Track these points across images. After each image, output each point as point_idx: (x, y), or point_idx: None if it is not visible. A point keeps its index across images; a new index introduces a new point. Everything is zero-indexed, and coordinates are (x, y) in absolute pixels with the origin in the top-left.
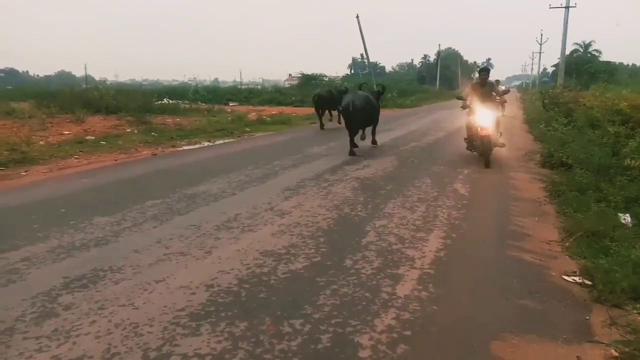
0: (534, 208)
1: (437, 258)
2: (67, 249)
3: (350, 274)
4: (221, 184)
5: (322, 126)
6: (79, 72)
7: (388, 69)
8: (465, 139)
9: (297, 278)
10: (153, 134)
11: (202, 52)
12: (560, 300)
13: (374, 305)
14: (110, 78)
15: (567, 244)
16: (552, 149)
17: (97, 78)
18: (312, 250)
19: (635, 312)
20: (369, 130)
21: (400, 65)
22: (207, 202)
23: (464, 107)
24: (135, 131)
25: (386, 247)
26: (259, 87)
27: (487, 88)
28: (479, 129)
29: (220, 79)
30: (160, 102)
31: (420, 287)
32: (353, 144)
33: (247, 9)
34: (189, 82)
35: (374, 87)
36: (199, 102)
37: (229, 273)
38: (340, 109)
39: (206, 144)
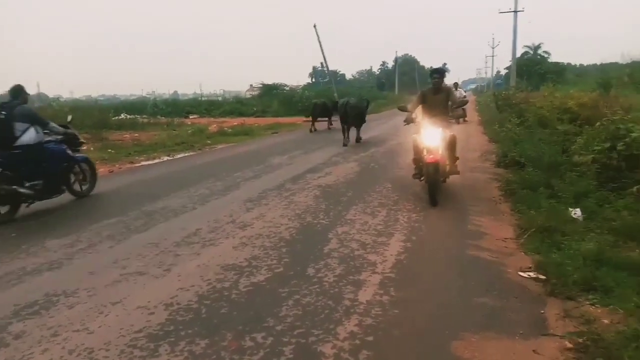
0: (490, 207)
1: (398, 261)
2: (18, 275)
3: (312, 283)
4: (181, 199)
5: (314, 130)
6: (31, 90)
7: (348, 76)
8: (414, 165)
9: (259, 290)
10: (110, 150)
11: (161, 65)
12: (516, 296)
13: (337, 313)
14: (65, 95)
15: (521, 240)
16: (505, 149)
17: (50, 95)
18: (275, 261)
19: (587, 303)
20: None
21: (360, 73)
22: (166, 218)
23: (407, 121)
24: (92, 148)
25: (348, 254)
26: (220, 98)
27: (441, 95)
28: (425, 151)
29: (179, 92)
30: (117, 117)
31: (382, 292)
32: (346, 139)
33: (205, 21)
34: (147, 96)
35: (334, 95)
36: (158, 116)
37: (189, 290)
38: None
39: (166, 158)
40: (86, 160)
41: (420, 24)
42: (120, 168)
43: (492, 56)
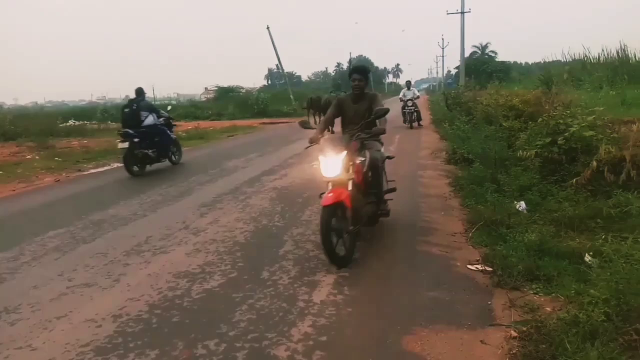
0: (440, 203)
1: (353, 260)
2: None
3: (267, 286)
4: (132, 206)
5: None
6: None
7: (304, 78)
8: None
9: (212, 297)
10: (57, 158)
11: (112, 69)
12: (465, 288)
13: (291, 315)
14: (9, 102)
15: (470, 234)
16: (454, 147)
17: None
18: (229, 266)
19: (531, 292)
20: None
21: (316, 74)
22: (115, 226)
23: (311, 141)
24: (37, 157)
25: (303, 255)
26: (174, 102)
27: (363, 104)
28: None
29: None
30: (65, 124)
31: (336, 291)
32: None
33: (157, 24)
34: (98, 101)
35: (290, 96)
36: (109, 122)
37: (139, 300)
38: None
39: (116, 165)
40: (176, 139)
41: (374, 26)
42: (68, 177)
43: (442, 56)
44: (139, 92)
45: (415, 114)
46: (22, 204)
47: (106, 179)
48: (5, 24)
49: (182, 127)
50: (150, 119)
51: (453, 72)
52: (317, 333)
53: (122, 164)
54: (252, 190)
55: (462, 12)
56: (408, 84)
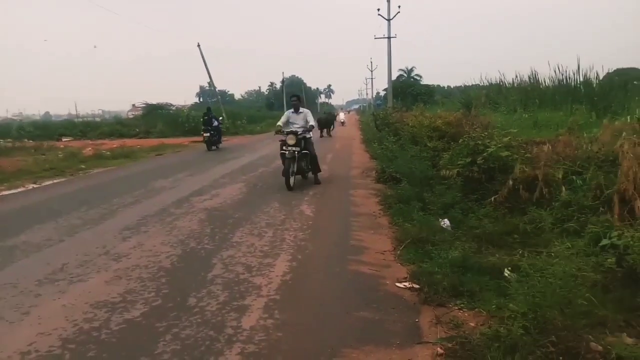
0: (370, 222)
1: (284, 282)
2: None
3: (193, 314)
4: (47, 231)
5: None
6: None
7: (237, 96)
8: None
9: (133, 328)
10: None
11: (29, 84)
12: (394, 307)
13: (218, 343)
14: None
15: (398, 252)
16: (383, 166)
17: None
18: (152, 294)
19: (456, 308)
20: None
21: (249, 93)
22: (27, 253)
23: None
24: None
25: (233, 279)
26: (98, 119)
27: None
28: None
29: (52, 112)
30: None
31: (266, 316)
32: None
33: (79, 41)
34: (14, 117)
35: (222, 114)
36: (25, 140)
37: (50, 334)
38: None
39: (32, 186)
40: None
41: (306, 47)
42: None
43: (372, 78)
44: (209, 109)
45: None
46: None
47: (19, 202)
48: None
49: (106, 145)
50: (215, 122)
51: (382, 93)
52: None
53: (37, 185)
54: (180, 212)
55: (389, 37)
56: (295, 104)
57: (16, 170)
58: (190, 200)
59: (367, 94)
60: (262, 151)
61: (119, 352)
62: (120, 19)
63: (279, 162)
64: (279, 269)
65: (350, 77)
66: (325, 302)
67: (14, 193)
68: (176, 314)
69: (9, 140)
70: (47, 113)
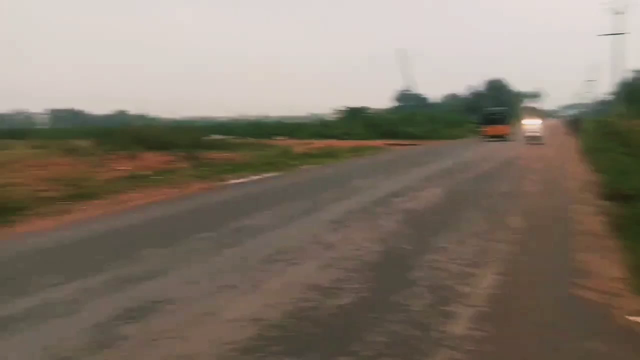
0: (594, 242)
1: (492, 295)
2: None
3: (399, 310)
4: (266, 217)
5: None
6: (136, 111)
7: (433, 100)
8: None
9: (344, 314)
10: (203, 168)
11: (249, 90)
12: (626, 341)
13: (424, 345)
14: (166, 115)
15: (633, 281)
16: (610, 180)
17: (151, 115)
18: (358, 285)
19: None
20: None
21: (446, 97)
22: (253, 235)
23: None
24: (186, 166)
25: (436, 282)
26: (307, 121)
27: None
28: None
29: (270, 114)
30: (209, 137)
31: (476, 326)
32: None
33: (281, 45)
34: (240, 118)
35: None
36: (247, 137)
37: (274, 307)
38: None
39: (255, 177)
40: None
41: (505, 46)
42: (211, 186)
43: (593, 81)
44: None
45: None
46: (176, 209)
47: (245, 190)
48: (164, 52)
49: (313, 145)
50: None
51: (606, 97)
52: None
53: (258, 177)
54: (380, 211)
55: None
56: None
57: (242, 163)
58: (390, 201)
59: (586, 98)
60: (462, 157)
61: (332, 333)
62: (320, 25)
63: (480, 169)
64: (485, 280)
65: (564, 80)
66: (541, 324)
67: (242, 182)
68: (382, 307)
69: (234, 137)
70: (266, 116)
